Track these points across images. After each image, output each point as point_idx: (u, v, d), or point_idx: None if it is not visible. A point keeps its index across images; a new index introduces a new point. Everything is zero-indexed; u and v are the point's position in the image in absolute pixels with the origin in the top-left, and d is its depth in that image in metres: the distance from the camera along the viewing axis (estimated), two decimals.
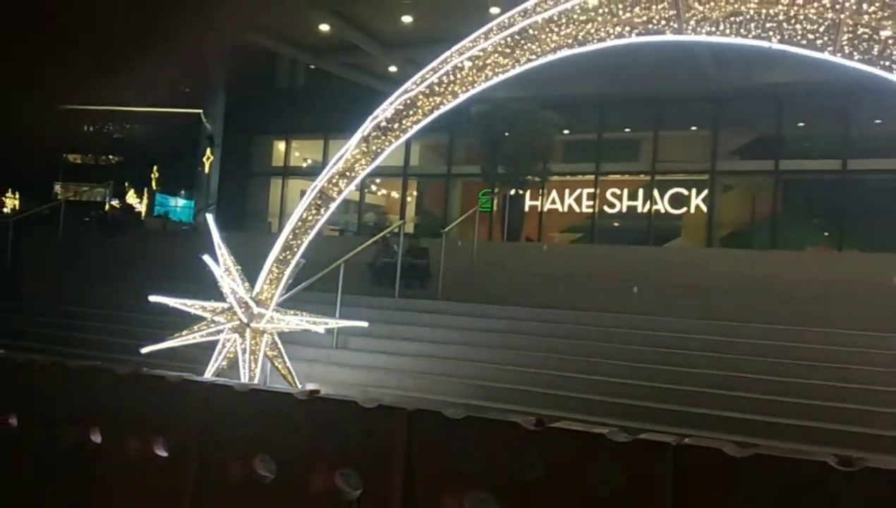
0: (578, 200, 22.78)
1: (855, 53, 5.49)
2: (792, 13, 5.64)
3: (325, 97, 24.39)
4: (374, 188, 27.35)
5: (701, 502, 2.94)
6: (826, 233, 20.47)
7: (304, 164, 27.41)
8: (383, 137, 7.41)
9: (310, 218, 8.08)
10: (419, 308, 11.58)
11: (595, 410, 8.02)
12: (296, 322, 8.66)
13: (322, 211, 8.03)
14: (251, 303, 8.58)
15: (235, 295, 8.65)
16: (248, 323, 8.57)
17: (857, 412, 7.68)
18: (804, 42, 5.60)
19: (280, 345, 8.73)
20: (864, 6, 5.37)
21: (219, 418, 4.00)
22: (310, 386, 8.81)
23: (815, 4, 5.47)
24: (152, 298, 9.09)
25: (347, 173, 7.75)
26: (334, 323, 9.29)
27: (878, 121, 19.03)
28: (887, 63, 5.36)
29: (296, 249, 8.25)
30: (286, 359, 8.73)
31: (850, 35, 5.51)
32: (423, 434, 3.51)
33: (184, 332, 8.85)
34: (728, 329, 9.73)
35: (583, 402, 8.32)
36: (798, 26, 5.66)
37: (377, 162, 7.63)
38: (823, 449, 6.17)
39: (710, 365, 8.92)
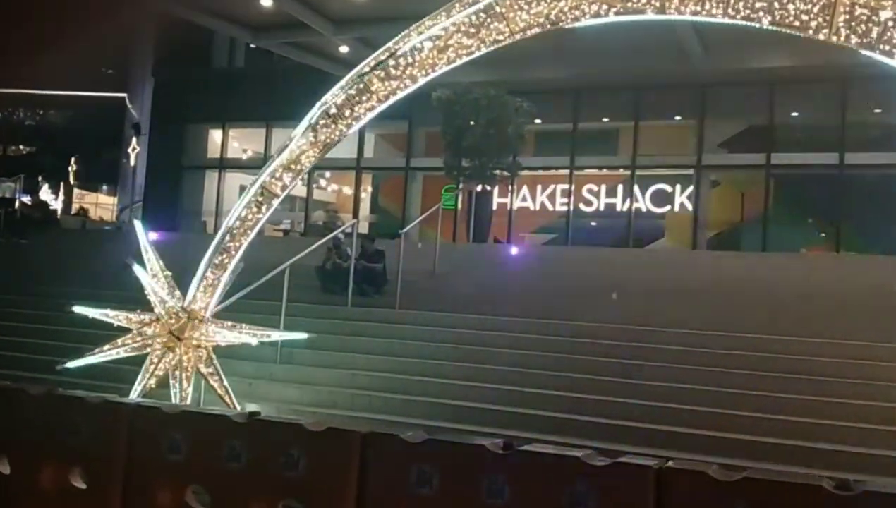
0: (552, 197, 22.98)
1: (852, 36, 5.60)
2: None
3: (268, 80, 24.27)
4: (323, 183, 27.26)
5: None
6: (822, 234, 20.88)
7: (244, 156, 27.20)
8: (333, 126, 7.36)
9: (249, 216, 7.99)
10: (374, 317, 11.56)
11: (570, 430, 8.07)
12: (233, 335, 8.56)
13: (263, 208, 7.94)
14: (182, 314, 8.47)
15: (164, 305, 8.54)
16: (179, 337, 8.47)
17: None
18: (797, 23, 5.69)
19: (216, 361, 8.62)
20: None
21: (145, 444, 3.94)
22: (250, 407, 8.73)
23: None
24: (75, 309, 8.94)
25: (292, 166, 7.68)
26: (277, 336, 9.21)
27: (877, 111, 19.47)
28: (887, 47, 5.48)
29: (233, 252, 8.16)
30: (223, 377, 8.62)
31: (847, 16, 5.62)
32: (377, 459, 3.50)
33: (106, 347, 8.70)
34: (715, 339, 9.86)
35: (556, 422, 8.36)
36: (791, 6, 5.76)
37: (326, 153, 7.59)
38: (818, 472, 6.30)
39: (696, 380, 9.02)
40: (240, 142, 27.39)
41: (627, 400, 8.71)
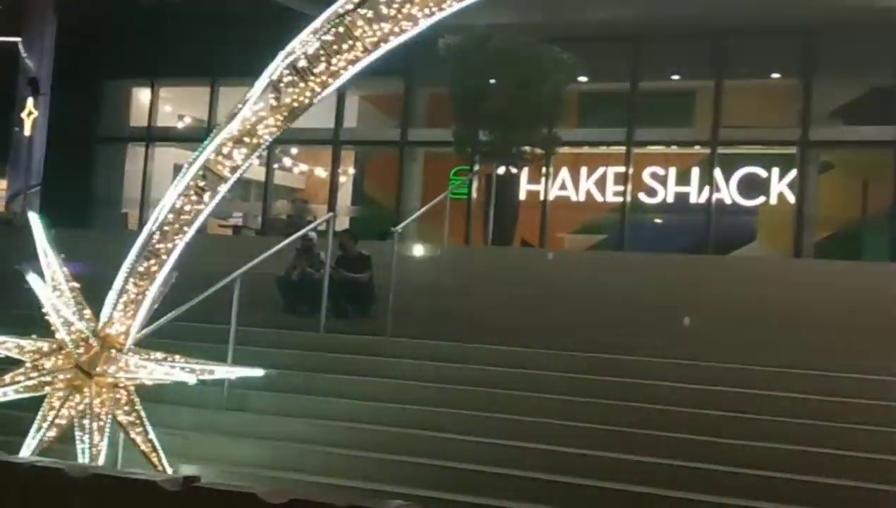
0: (601, 185, 22.94)
1: None
2: None
3: (213, 21, 24.18)
4: (288, 163, 27.21)
5: None
6: None
7: (181, 124, 27.17)
8: (303, 84, 7.35)
9: (187, 208, 7.96)
10: (356, 348, 11.53)
11: (628, 503, 8.05)
12: (163, 370, 8.51)
13: (206, 197, 7.92)
14: (94, 341, 8.43)
15: (70, 328, 8.49)
16: (89, 372, 8.43)
17: None
18: None
19: (139, 406, 8.58)
20: None
21: None
22: (186, 470, 8.70)
23: None
24: None
25: (246, 139, 7.66)
26: (223, 372, 9.15)
27: None
28: None
29: (164, 257, 8.13)
30: (148, 428, 8.59)
31: None
32: None
33: None
34: (826, 382, 9.90)
35: (600, 494, 8.34)
36: None
37: (293, 122, 7.57)
38: None
39: (795, 438, 9.03)
40: (175, 105, 27.33)
41: (708, 467, 8.69)
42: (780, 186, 21.63)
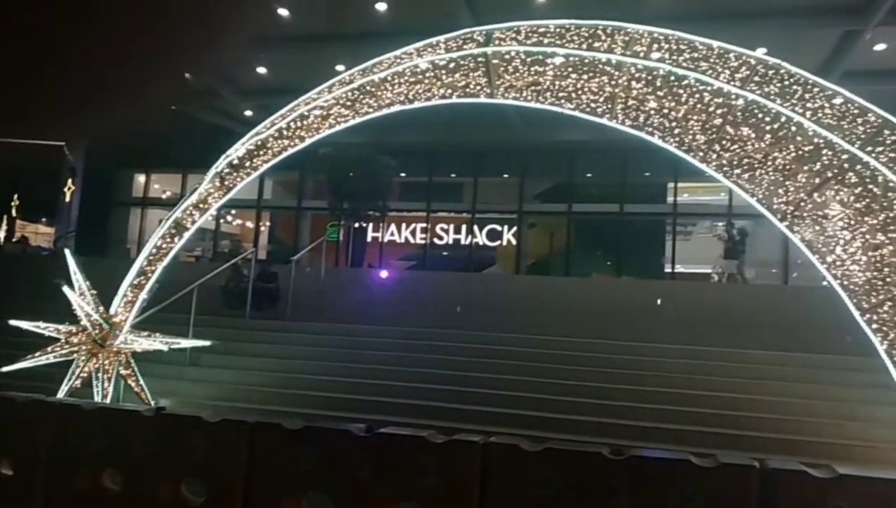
0: (413, 233, 23.06)
1: (626, 120, 5.96)
2: (579, 85, 6.04)
3: (185, 135, 23.17)
4: (229, 218, 26.26)
5: (503, 490, 3.02)
6: (608, 263, 21.96)
7: (164, 196, 25.84)
8: (235, 173, 7.14)
9: (164, 245, 7.61)
10: (268, 327, 11.17)
11: (420, 413, 8.05)
12: (148, 342, 8.09)
13: (176, 239, 7.58)
14: (105, 325, 7.94)
15: (90, 318, 7.98)
16: (101, 344, 7.92)
17: (625, 408, 8.24)
18: (588, 109, 6.01)
19: (133, 364, 8.11)
20: (633, 83, 5.85)
21: (68, 435, 3.68)
22: (163, 402, 8.25)
23: (597, 80, 5.90)
24: (11, 321, 8.28)
25: (201, 205, 7.38)
26: (186, 343, 8.75)
27: (647, 174, 20.77)
28: (650, 128, 5.86)
29: (150, 274, 7.73)
30: (139, 377, 8.12)
31: (623, 105, 5.98)
32: (264, 444, 3.37)
33: (37, 353, 8.05)
34: (528, 341, 10.12)
35: (410, 407, 8.32)
36: (584, 96, 6.07)
37: (229, 195, 7.33)
38: (604, 440, 6.54)
39: (515, 371, 9.22)
40: (160, 184, 26.03)
41: (469, 389, 8.78)
42: (508, 235, 22.24)
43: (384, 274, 15.25)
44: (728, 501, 2.79)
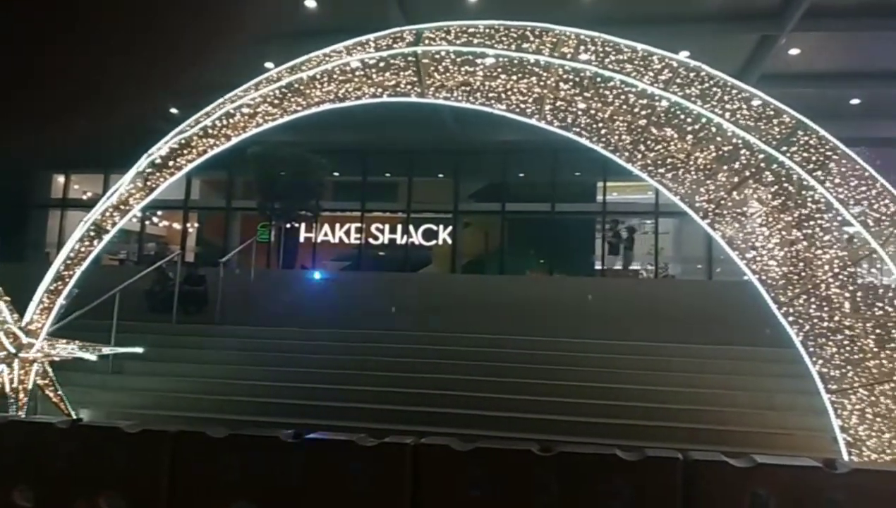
0: (347, 233, 22.79)
1: (555, 121, 6.04)
2: (509, 86, 6.09)
3: (104, 134, 22.22)
4: (155, 220, 25.35)
5: (435, 490, 3.01)
6: (541, 261, 22.31)
7: (84, 197, 24.73)
8: (158, 173, 6.89)
9: (83, 249, 7.26)
10: (195, 332, 10.84)
11: (353, 416, 7.97)
12: (67, 350, 7.71)
13: (96, 242, 7.25)
14: (19, 333, 7.52)
15: (3, 326, 7.54)
16: (16, 354, 7.49)
17: (557, 403, 8.37)
18: (518, 110, 6.07)
19: (51, 374, 7.72)
20: (561, 84, 5.94)
21: None
22: (83, 413, 7.89)
23: (526, 81, 5.96)
24: None
25: (122, 206, 7.09)
26: (108, 350, 8.38)
27: (577, 174, 21.19)
28: (577, 129, 5.96)
29: (68, 279, 7.37)
30: (58, 387, 7.73)
31: (552, 106, 6.06)
32: (187, 453, 3.26)
33: None
34: (460, 339, 10.17)
35: (344, 410, 8.23)
36: (514, 97, 6.12)
37: (152, 196, 7.06)
38: (534, 436, 6.64)
39: (448, 370, 9.25)
40: (80, 185, 24.90)
41: (402, 389, 8.74)
42: (444, 235, 22.25)
43: (317, 275, 15.02)
44: (654, 492, 2.87)
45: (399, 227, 22.45)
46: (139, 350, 8.48)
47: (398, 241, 22.38)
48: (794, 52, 14.84)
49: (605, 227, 18.13)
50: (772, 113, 5.62)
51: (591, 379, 8.82)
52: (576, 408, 8.17)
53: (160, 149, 6.87)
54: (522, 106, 6.02)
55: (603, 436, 7.23)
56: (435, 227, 22.30)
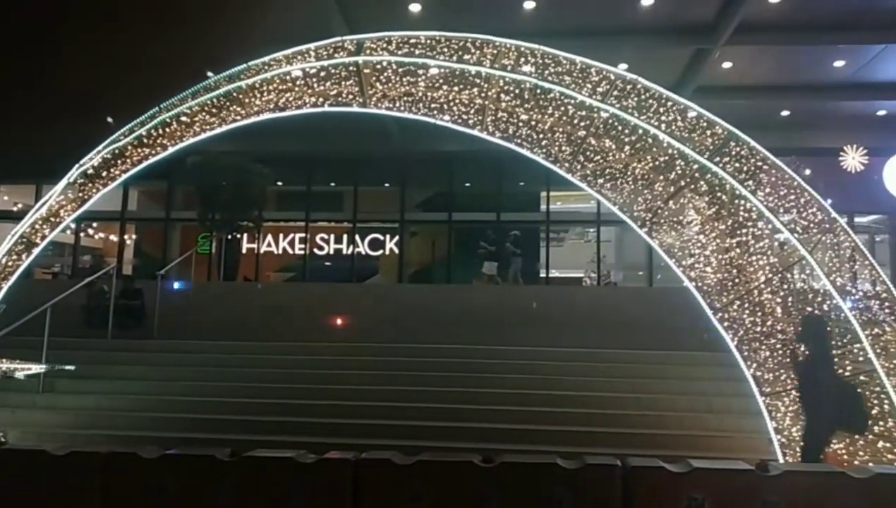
0: (291, 244, 22.46)
1: (497, 132, 6.11)
2: (451, 97, 6.13)
3: (35, 143, 21.39)
4: (91, 231, 24.48)
5: (376, 506, 2.98)
6: None
7: (15, 208, 23.69)
8: (90, 184, 6.66)
9: (10, 263, 6.96)
10: (131, 347, 10.47)
11: (295, 430, 7.83)
12: None
13: (24, 256, 6.96)
14: None
15: None
16: None
17: (497, 411, 8.41)
18: (460, 120, 6.11)
19: None
20: (502, 96, 6.01)
21: None
22: (9, 435, 7.53)
23: (467, 92, 6.01)
24: None
25: (52, 219, 6.82)
26: (38, 368, 8.06)
27: (521, 183, 21.43)
28: (519, 140, 6.04)
29: None
30: None
31: (493, 117, 6.12)
32: (119, 475, 3.14)
33: None
34: (405, 349, 10.13)
35: (285, 425, 8.06)
36: (456, 108, 6.17)
37: (84, 207, 6.82)
38: (479, 446, 6.63)
39: (391, 381, 9.18)
40: (11, 196, 23.86)
41: (345, 402, 8.64)
42: (391, 244, 22.16)
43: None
44: (594, 499, 2.90)
45: (345, 237, 22.25)
46: (71, 367, 8.15)
47: (344, 251, 22.18)
48: (727, 65, 15.39)
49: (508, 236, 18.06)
50: (705, 124, 5.81)
51: (536, 387, 8.89)
52: (520, 416, 8.22)
53: (92, 160, 6.65)
54: (465, 117, 6.07)
55: (546, 444, 7.29)
56: (382, 237, 22.18)
